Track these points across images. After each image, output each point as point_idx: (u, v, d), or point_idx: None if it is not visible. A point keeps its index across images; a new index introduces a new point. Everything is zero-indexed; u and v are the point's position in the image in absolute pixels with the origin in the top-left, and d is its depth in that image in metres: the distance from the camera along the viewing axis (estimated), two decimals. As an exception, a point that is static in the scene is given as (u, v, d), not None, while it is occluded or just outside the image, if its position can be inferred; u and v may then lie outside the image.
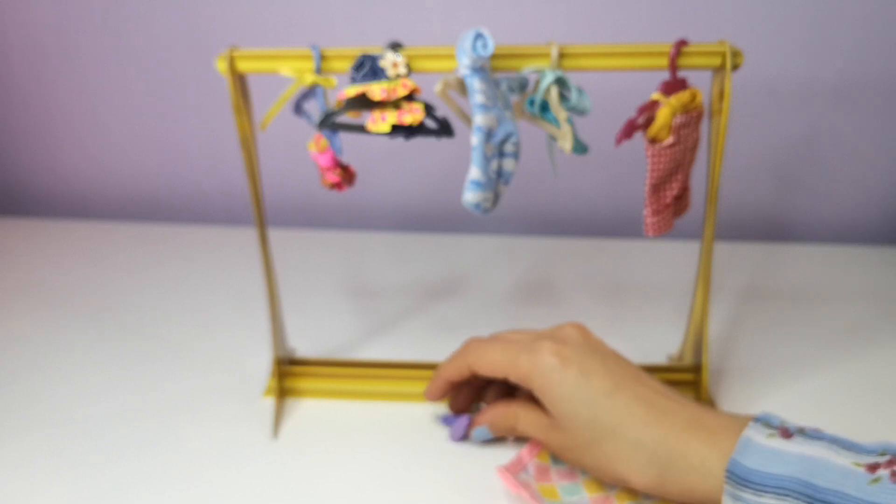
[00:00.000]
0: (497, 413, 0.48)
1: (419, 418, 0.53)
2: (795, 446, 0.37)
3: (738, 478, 0.37)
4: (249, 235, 0.60)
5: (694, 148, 0.48)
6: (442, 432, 0.52)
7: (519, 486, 0.44)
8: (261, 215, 0.50)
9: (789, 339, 0.62)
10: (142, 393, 0.56)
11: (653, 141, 0.45)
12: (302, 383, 0.56)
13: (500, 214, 0.81)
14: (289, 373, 0.56)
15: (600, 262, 0.75)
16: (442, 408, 0.53)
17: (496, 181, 0.45)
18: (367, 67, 0.45)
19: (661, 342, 0.60)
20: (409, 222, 0.86)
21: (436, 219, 0.85)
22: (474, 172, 0.43)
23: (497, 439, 0.50)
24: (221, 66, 0.46)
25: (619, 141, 0.45)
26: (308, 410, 0.54)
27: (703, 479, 0.39)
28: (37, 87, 0.83)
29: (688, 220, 0.54)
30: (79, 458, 0.49)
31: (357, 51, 0.45)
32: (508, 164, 0.46)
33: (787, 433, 0.38)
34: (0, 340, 0.63)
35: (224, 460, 0.49)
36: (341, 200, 0.84)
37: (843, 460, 0.36)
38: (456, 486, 0.47)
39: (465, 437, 0.51)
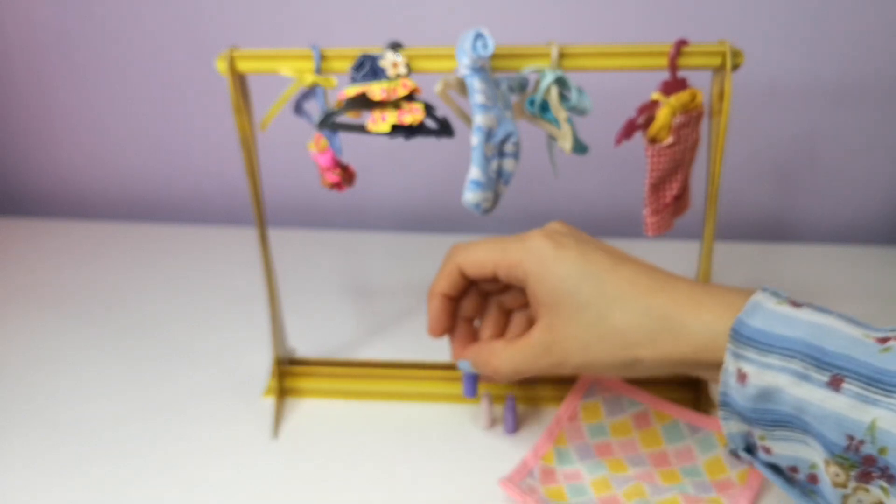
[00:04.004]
0: (477, 350, 0.45)
1: (419, 418, 0.53)
2: (805, 314, 0.36)
3: (744, 337, 0.36)
4: (249, 235, 0.60)
5: (694, 147, 0.48)
6: (442, 432, 0.52)
7: (523, 494, 0.44)
8: (261, 215, 0.50)
9: (789, 339, 0.62)
10: (142, 393, 0.56)
11: (652, 141, 0.45)
12: (302, 383, 0.56)
13: (500, 214, 0.81)
14: (289, 373, 0.56)
15: (600, 262, 0.75)
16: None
17: (496, 181, 0.45)
18: (367, 67, 0.45)
19: (661, 342, 0.60)
20: (409, 222, 0.86)
21: (436, 219, 0.85)
22: (474, 172, 0.43)
23: (488, 433, 0.50)
24: (221, 66, 0.46)
25: (618, 141, 0.45)
26: (308, 410, 0.54)
27: (713, 340, 0.37)
28: (37, 87, 0.83)
29: (688, 220, 0.54)
30: (79, 458, 0.50)
31: (357, 51, 0.45)
32: (508, 164, 0.46)
33: (796, 304, 0.37)
34: (0, 340, 0.63)
35: (224, 460, 0.49)
36: (341, 200, 0.84)
37: (854, 331, 0.35)
38: (456, 484, 0.47)
39: (474, 393, 0.48)
